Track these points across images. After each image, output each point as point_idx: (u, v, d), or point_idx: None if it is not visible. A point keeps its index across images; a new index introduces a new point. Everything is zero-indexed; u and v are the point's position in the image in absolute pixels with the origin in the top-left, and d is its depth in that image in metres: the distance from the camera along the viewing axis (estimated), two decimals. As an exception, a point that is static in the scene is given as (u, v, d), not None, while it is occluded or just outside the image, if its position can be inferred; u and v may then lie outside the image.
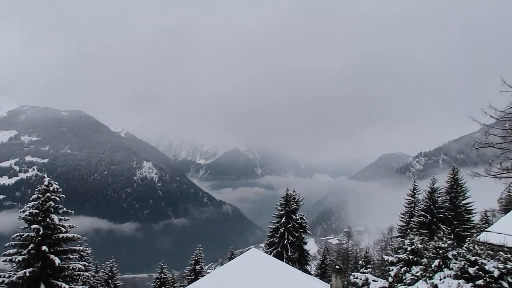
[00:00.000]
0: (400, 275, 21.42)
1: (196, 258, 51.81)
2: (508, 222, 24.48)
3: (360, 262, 34.08)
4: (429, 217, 37.50)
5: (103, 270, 49.49)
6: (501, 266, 17.18)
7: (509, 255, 18.18)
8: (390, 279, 21.91)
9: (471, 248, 19.44)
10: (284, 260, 37.31)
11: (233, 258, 38.98)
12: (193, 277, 48.99)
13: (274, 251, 39.68)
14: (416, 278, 20.15)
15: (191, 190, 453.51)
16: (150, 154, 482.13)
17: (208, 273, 43.33)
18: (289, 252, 38.96)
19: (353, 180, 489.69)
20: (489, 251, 19.43)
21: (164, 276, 51.91)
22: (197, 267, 50.91)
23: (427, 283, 18.77)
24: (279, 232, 39.98)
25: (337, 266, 23.76)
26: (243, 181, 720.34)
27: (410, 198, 44.46)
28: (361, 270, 24.99)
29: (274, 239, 40.59)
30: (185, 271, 54.19)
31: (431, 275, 19.30)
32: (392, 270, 22.10)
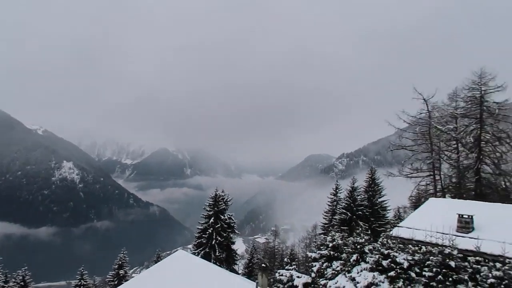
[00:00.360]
0: (322, 270, 22.48)
1: (120, 263, 49.58)
2: (417, 217, 26.84)
3: (285, 259, 35.12)
4: (349, 214, 39.84)
5: (14, 280, 45.30)
6: (410, 258, 18.82)
7: (416, 248, 19.98)
8: (313, 275, 22.91)
9: (385, 242, 21.03)
10: (212, 261, 37.19)
11: (159, 261, 37.91)
12: (116, 283, 46.81)
13: (202, 252, 39.37)
14: (336, 272, 21.30)
15: (116, 191, 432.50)
16: (71, 153, 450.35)
17: (133, 277, 41.66)
18: (217, 252, 38.91)
19: (281, 180, 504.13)
20: (400, 245, 21.18)
21: (85, 283, 48.93)
22: (121, 272, 48.73)
23: (346, 277, 19.95)
24: (207, 232, 39.76)
25: (263, 265, 24.25)
26: (172, 182, 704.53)
27: (333, 197, 46.84)
28: (286, 267, 25.80)
29: (202, 239, 40.26)
30: (107, 276, 51.51)
31: (349, 269, 20.53)
32: (315, 266, 23.14)
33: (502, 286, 15.59)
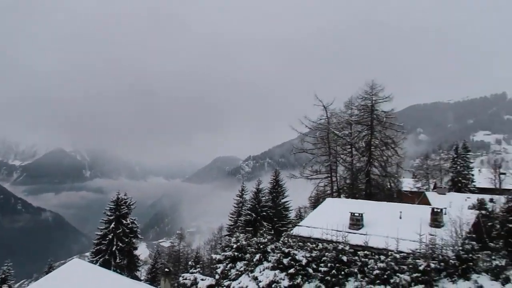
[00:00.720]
0: (226, 271, 22.70)
1: (4, 276, 44.16)
2: (315, 217, 28.67)
3: (190, 262, 34.71)
4: (254, 215, 40.90)
5: None
6: (308, 255, 20.04)
7: (314, 245, 21.33)
8: (217, 276, 23.02)
9: (286, 241, 22.12)
10: (112, 268, 35.11)
11: (51, 272, 34.62)
12: (-2, 299, 41.59)
13: (101, 259, 36.93)
14: (240, 273, 21.73)
15: (0, 196, 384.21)
16: None
17: (18, 291, 37.41)
18: (118, 259, 36.85)
19: (188, 182, 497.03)
20: (299, 243, 22.42)
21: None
22: (4, 286, 43.39)
23: (249, 276, 20.48)
24: (107, 238, 37.43)
25: (166, 269, 23.71)
26: (68, 185, 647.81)
27: (239, 198, 47.60)
28: (190, 271, 25.52)
29: (102, 246, 37.77)
30: (-13, 292, 45.46)
31: (252, 268, 21.12)
32: (219, 267, 23.28)
33: (385, 276, 17.43)
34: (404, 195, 52.62)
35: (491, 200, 37.40)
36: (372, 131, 45.32)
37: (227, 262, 23.19)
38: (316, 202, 47.18)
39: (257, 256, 21.32)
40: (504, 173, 65.28)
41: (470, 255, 17.13)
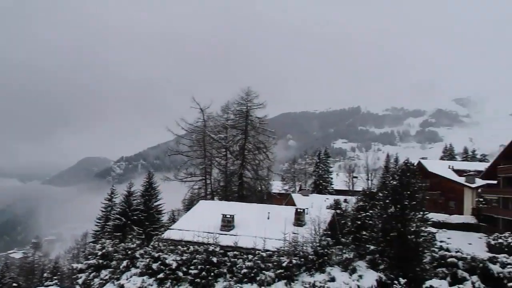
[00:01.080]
0: (88, 281, 20.98)
1: None
2: (187, 219, 28.48)
3: (45, 274, 31.16)
4: (123, 219, 38.66)
5: None
6: (178, 258, 19.76)
7: (185, 248, 21.17)
8: (78, 287, 21.13)
9: (156, 245, 21.45)
10: None
11: None
12: None
13: None
14: (104, 281, 20.28)
15: None
16: None
17: None
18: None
19: (48, 185, 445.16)
20: (170, 247, 21.99)
21: None
22: None
23: (114, 284, 19.28)
24: None
25: (14, 284, 20.79)
26: None
27: (108, 202, 44.51)
28: (45, 283, 22.90)
29: None
30: None
31: (119, 276, 19.94)
32: (81, 277, 21.40)
33: (252, 274, 18.25)
34: (274, 196, 56.04)
35: (345, 201, 42.38)
36: (246, 135, 47.28)
37: (90, 271, 21.46)
38: (190, 204, 46.98)
39: (124, 263, 20.24)
40: (356, 177, 74.66)
41: (326, 250, 19.07)
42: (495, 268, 18.11)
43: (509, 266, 18.22)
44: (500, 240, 27.90)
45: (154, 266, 19.16)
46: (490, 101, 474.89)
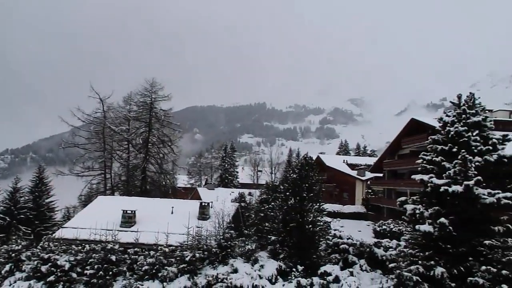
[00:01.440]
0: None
1: None
2: (84, 216, 26.60)
3: None
4: (8, 219, 34.65)
5: None
6: (72, 259, 18.32)
7: (80, 247, 19.74)
8: None
9: (46, 246, 19.62)
10: None
11: None
12: None
13: None
14: (-19, 289, 17.98)
15: None
16: None
17: None
18: None
19: None
20: (63, 246, 20.31)
21: None
22: None
23: (-6, 292, 17.21)
24: None
25: None
26: None
27: (-13, 200, 39.45)
28: None
29: None
30: None
31: (0, 282, 17.84)
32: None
33: (154, 270, 17.76)
34: (179, 191, 55.15)
35: (250, 194, 43.64)
36: (150, 128, 45.65)
37: (-37, 279, 18.81)
38: (87, 201, 43.91)
39: (7, 267, 18.14)
40: (260, 171, 77.37)
41: (229, 242, 19.37)
42: (379, 251, 20.21)
43: (390, 249, 20.48)
44: (384, 227, 31.32)
45: (43, 268, 17.49)
46: (380, 101, 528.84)
